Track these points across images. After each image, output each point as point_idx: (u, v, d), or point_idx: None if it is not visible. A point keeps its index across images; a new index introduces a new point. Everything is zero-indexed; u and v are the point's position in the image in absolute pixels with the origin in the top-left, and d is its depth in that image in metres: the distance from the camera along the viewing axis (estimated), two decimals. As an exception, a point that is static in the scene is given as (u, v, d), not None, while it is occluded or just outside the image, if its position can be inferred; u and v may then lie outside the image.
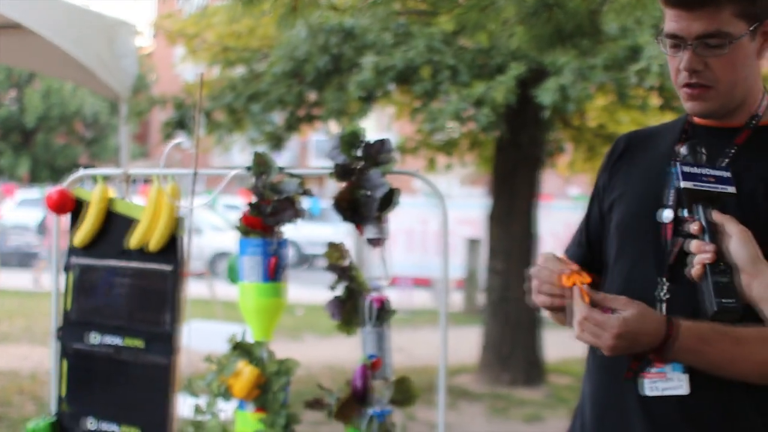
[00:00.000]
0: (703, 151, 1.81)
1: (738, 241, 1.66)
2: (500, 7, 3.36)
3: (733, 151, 1.98)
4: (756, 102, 2.03)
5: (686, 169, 1.76)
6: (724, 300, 1.64)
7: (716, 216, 1.71)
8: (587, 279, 1.90)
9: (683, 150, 1.83)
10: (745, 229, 1.67)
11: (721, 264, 1.66)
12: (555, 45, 3.40)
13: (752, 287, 1.63)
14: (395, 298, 3.06)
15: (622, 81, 7.81)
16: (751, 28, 1.95)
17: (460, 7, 3.45)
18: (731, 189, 1.75)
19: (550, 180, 16.23)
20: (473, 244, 15.31)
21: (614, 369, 1.98)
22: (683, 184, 1.73)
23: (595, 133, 10.92)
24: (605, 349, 1.87)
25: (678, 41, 1.96)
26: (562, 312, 1.96)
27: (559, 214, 17.96)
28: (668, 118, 9.08)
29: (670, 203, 2.02)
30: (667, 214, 2.01)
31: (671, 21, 1.96)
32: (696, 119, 2.09)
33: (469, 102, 7.89)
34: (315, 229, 20.05)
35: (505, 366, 9.35)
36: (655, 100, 8.70)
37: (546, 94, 7.64)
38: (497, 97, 7.70)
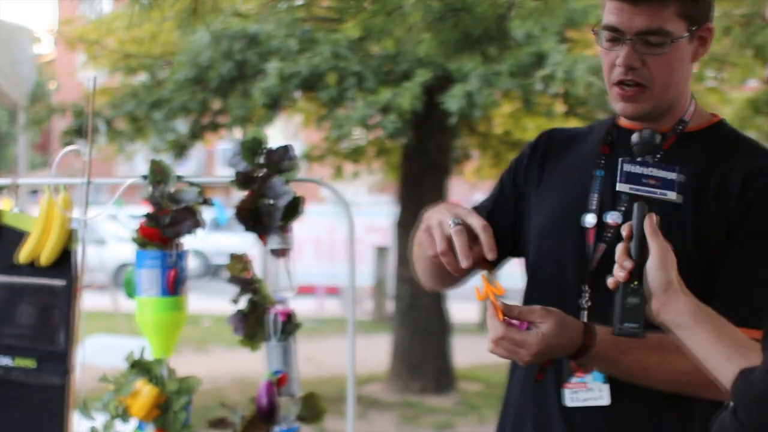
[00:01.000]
0: (656, 141, 1.70)
1: (656, 262, 1.60)
2: (406, 12, 3.31)
3: (658, 156, 1.95)
4: (683, 107, 1.99)
5: (628, 167, 1.65)
6: (626, 324, 1.59)
7: (647, 225, 1.63)
8: (500, 291, 1.83)
9: (633, 138, 1.71)
10: (666, 249, 1.61)
11: (635, 284, 1.60)
12: (462, 51, 3.35)
13: (660, 314, 1.59)
14: (308, 306, 2.98)
15: (527, 87, 7.87)
16: (690, 30, 1.90)
17: (366, 12, 3.38)
18: (670, 195, 1.65)
19: (456, 186, 16.30)
20: (381, 252, 15.27)
21: (534, 383, 1.94)
22: (619, 187, 1.64)
23: (501, 140, 11.00)
24: (521, 363, 1.82)
25: (617, 35, 1.90)
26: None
27: (467, 220, 18.03)
28: (573, 124, 9.20)
29: (593, 207, 1.97)
30: (590, 219, 1.97)
31: (612, 13, 1.90)
32: (622, 122, 2.04)
33: (376, 109, 7.86)
34: (222, 239, 19.80)
35: (415, 374, 9.32)
36: (560, 107, 8.79)
37: (452, 101, 7.64)
38: (403, 104, 7.68)
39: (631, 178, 1.64)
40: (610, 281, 1.63)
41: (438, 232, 1.92)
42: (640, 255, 1.61)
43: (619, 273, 1.61)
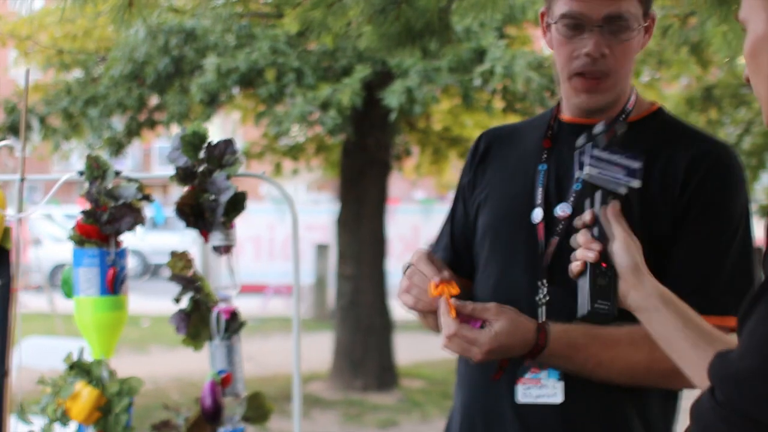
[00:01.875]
0: (618, 131, 1.71)
1: (621, 245, 1.60)
2: (346, 4, 3.26)
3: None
4: (626, 97, 1.98)
5: (596, 152, 1.65)
6: (598, 303, 1.57)
7: (609, 211, 1.63)
8: (455, 290, 1.82)
9: (597, 128, 1.70)
10: (630, 233, 1.61)
11: (603, 265, 1.59)
12: (404, 44, 3.31)
13: (629, 296, 1.58)
14: (248, 305, 2.94)
15: (466, 83, 7.87)
16: (644, 18, 1.91)
17: (305, 4, 3.33)
18: (634, 183, 1.66)
19: (396, 183, 16.32)
20: (322, 249, 15.23)
21: (487, 375, 1.90)
22: (587, 170, 1.63)
23: (441, 136, 11.03)
24: (473, 360, 1.79)
25: (581, 22, 1.87)
26: (431, 316, 1.88)
27: (406, 217, 18.12)
28: (512, 120, 9.24)
29: (539, 202, 1.95)
30: (537, 214, 1.95)
31: (575, 1, 1.87)
32: (563, 116, 2.02)
33: (315, 105, 7.81)
34: (160, 238, 19.58)
35: (358, 372, 9.29)
36: (499, 103, 8.82)
37: (392, 97, 7.62)
38: (343, 100, 7.64)
39: (598, 163, 1.64)
40: (574, 265, 1.61)
41: (410, 299, 1.94)
42: (603, 240, 1.61)
43: (588, 254, 1.59)
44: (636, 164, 1.66)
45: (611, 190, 1.65)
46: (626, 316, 1.63)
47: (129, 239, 2.75)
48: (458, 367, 2.06)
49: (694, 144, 1.92)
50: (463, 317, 1.78)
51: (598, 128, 1.70)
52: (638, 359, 1.80)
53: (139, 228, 2.70)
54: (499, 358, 1.81)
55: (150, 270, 20.71)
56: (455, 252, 2.12)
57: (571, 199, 1.92)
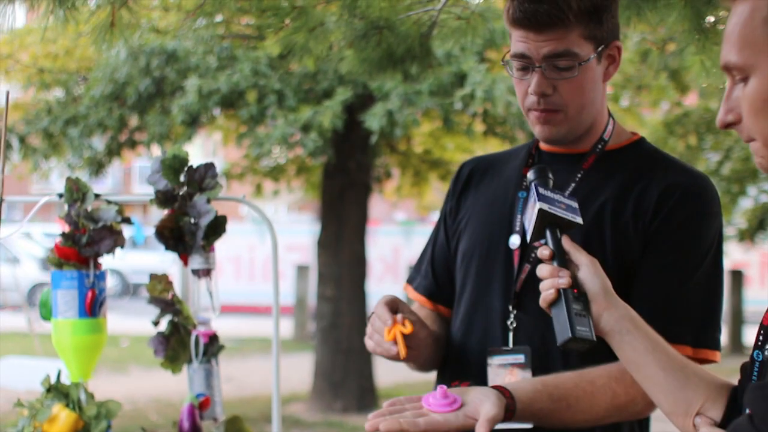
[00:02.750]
0: (551, 176, 1.76)
1: (588, 270, 1.61)
2: (328, 29, 3.28)
3: (579, 175, 1.96)
4: (602, 126, 2.01)
5: (542, 191, 1.69)
6: (579, 328, 1.57)
7: (566, 243, 1.65)
8: (407, 329, 1.86)
9: (530, 174, 1.74)
10: (594, 260, 1.63)
11: (575, 291, 1.60)
12: (385, 69, 3.34)
13: (602, 318, 1.59)
14: (227, 326, 2.93)
15: (447, 107, 7.91)
16: (597, 51, 1.92)
17: (287, 28, 3.35)
18: (579, 219, 1.69)
19: (376, 205, 16.34)
20: (302, 270, 15.21)
21: None
22: (539, 205, 1.65)
23: (422, 159, 11.06)
24: None
25: (526, 62, 1.91)
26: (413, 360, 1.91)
27: (387, 239, 18.13)
28: (492, 143, 9.29)
29: (517, 229, 1.98)
30: (514, 241, 1.97)
31: (519, 42, 1.91)
32: (542, 146, 2.06)
33: (296, 127, 7.83)
34: (140, 258, 19.51)
35: (338, 393, 9.27)
36: (479, 126, 8.86)
37: (373, 119, 7.65)
38: (324, 122, 7.66)
39: (544, 199, 1.67)
40: (547, 294, 1.61)
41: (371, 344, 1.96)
42: (565, 269, 1.63)
43: (559, 281, 1.59)
44: (575, 203, 1.71)
45: (568, 221, 1.67)
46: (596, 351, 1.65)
47: (109, 259, 2.74)
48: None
49: (669, 174, 1.94)
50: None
51: (531, 175, 1.74)
52: (601, 409, 1.81)
53: (120, 249, 2.70)
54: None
55: (130, 290, 20.63)
56: (435, 279, 2.15)
57: (517, 229, 1.97)
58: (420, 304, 2.17)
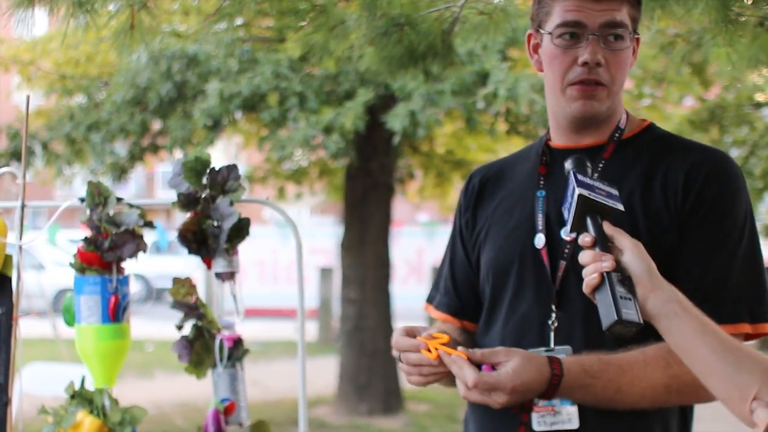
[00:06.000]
0: (588, 164, 1.73)
1: (633, 253, 1.58)
2: (348, 27, 3.25)
3: (600, 166, 1.93)
4: (619, 115, 2.00)
5: (581, 177, 1.66)
6: (625, 311, 1.54)
7: (608, 228, 1.61)
8: (444, 339, 1.82)
9: (568, 164, 1.73)
10: (638, 242, 1.60)
11: (619, 275, 1.57)
12: (407, 66, 3.30)
13: (648, 301, 1.55)
14: (252, 329, 2.91)
15: (469, 106, 7.85)
16: (635, 34, 1.94)
17: (307, 27, 3.32)
18: (620, 206, 1.67)
19: (399, 206, 16.31)
20: (325, 273, 15.20)
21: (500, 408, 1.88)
22: (578, 191, 1.63)
23: (444, 159, 11.02)
24: (497, 405, 1.77)
25: (580, 30, 1.89)
26: (446, 378, 1.87)
27: (410, 240, 18.10)
28: (515, 142, 9.23)
29: (541, 228, 1.94)
30: (540, 239, 1.94)
31: (571, 11, 1.89)
32: (553, 143, 2.03)
33: (318, 129, 7.79)
34: (164, 262, 19.55)
35: (363, 396, 9.23)
36: (502, 126, 8.80)
37: (396, 120, 7.61)
38: (346, 124, 7.62)
39: (584, 186, 1.65)
40: (590, 279, 1.58)
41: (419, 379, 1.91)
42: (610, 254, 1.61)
43: (602, 264, 1.57)
44: (615, 191, 1.70)
45: (610, 207, 1.65)
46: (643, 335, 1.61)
47: (132, 264, 2.73)
48: None
49: (690, 153, 1.93)
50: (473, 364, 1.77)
51: (569, 165, 1.73)
52: (656, 378, 1.78)
53: (142, 253, 2.68)
54: (520, 400, 1.78)
55: (154, 294, 20.69)
56: (458, 296, 2.12)
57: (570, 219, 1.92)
58: (443, 322, 2.13)
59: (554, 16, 1.91)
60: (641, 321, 1.54)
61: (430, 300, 2.19)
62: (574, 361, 1.79)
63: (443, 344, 1.80)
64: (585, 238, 1.61)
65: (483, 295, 2.05)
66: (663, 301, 1.54)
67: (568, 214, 1.66)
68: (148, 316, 13.51)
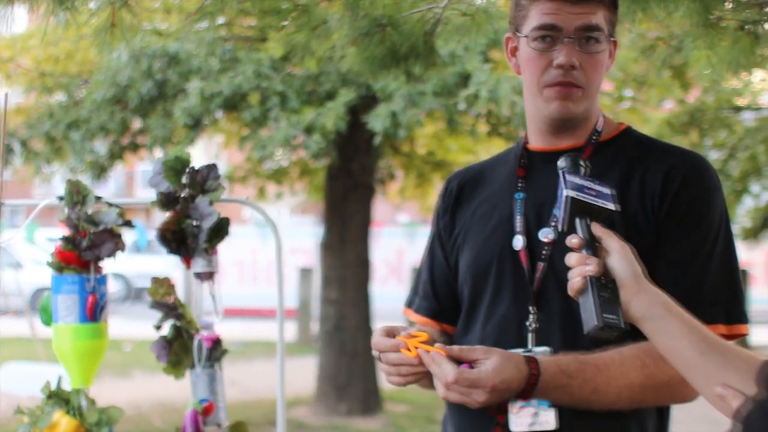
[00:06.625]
0: (582, 163, 1.72)
1: (619, 256, 1.58)
2: (330, 27, 3.24)
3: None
4: (596, 118, 2.01)
5: (570, 178, 1.65)
6: (606, 315, 1.53)
7: (597, 230, 1.61)
8: (423, 337, 1.81)
9: (561, 162, 1.72)
10: (626, 245, 1.60)
11: (603, 278, 1.56)
12: (389, 67, 3.30)
13: (632, 304, 1.54)
14: (231, 329, 2.89)
15: (451, 107, 7.86)
16: (611, 35, 1.95)
17: (289, 26, 3.31)
18: (611, 205, 1.66)
19: (380, 207, 16.30)
20: (305, 273, 15.17)
21: (480, 408, 1.87)
22: (568, 193, 1.62)
23: (425, 160, 11.02)
24: (476, 404, 1.77)
25: (555, 34, 1.90)
26: (425, 379, 1.86)
27: (390, 240, 18.11)
28: (496, 144, 9.24)
29: (519, 229, 1.95)
30: (517, 242, 1.94)
31: (548, 13, 1.90)
32: (531, 146, 2.04)
33: (299, 129, 7.78)
34: (144, 262, 19.47)
35: (342, 396, 9.22)
36: (483, 127, 8.81)
37: (377, 121, 7.60)
38: (327, 124, 7.61)
39: (575, 187, 1.64)
40: (575, 282, 1.58)
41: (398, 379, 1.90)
42: (596, 257, 1.60)
43: (587, 268, 1.56)
44: (607, 190, 1.68)
45: (600, 207, 1.64)
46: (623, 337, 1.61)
47: (112, 264, 2.71)
48: (448, 402, 2.03)
49: (667, 157, 1.94)
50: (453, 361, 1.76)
51: (562, 163, 1.72)
52: (632, 378, 1.79)
53: (121, 252, 2.66)
54: (499, 399, 1.78)
55: (133, 294, 20.61)
56: (437, 299, 2.12)
57: (553, 223, 1.92)
58: (422, 326, 2.12)
59: (531, 19, 1.93)
60: (623, 326, 1.53)
61: (409, 304, 2.18)
62: (551, 360, 1.79)
63: (423, 342, 1.80)
64: (572, 240, 1.61)
65: (462, 298, 2.05)
66: (647, 304, 1.53)
67: (560, 214, 1.65)
68: (127, 316, 13.46)
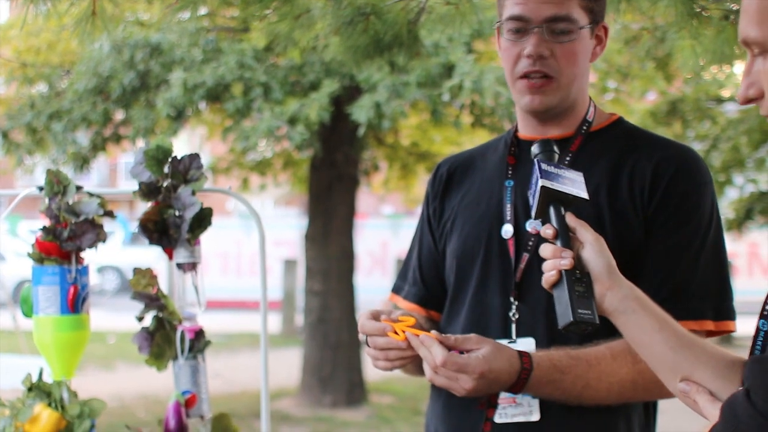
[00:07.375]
0: (555, 149, 1.70)
1: (593, 248, 1.56)
2: (314, 16, 3.22)
3: (568, 159, 1.92)
4: (585, 108, 2.00)
5: (544, 167, 1.63)
6: (580, 310, 1.51)
7: (571, 220, 1.59)
8: (410, 321, 1.80)
9: (534, 149, 1.70)
10: (600, 237, 1.57)
11: (578, 272, 1.54)
12: (372, 56, 3.28)
13: (605, 298, 1.53)
14: (214, 321, 2.88)
15: (435, 98, 7.85)
16: (591, 24, 1.93)
17: (272, 16, 3.28)
18: (584, 194, 1.64)
19: (363, 198, 16.28)
20: (289, 265, 15.15)
21: (463, 400, 1.85)
22: (541, 182, 1.60)
23: (409, 151, 11.01)
24: (462, 391, 1.75)
25: (524, 24, 1.90)
26: (410, 364, 1.85)
27: (374, 232, 18.11)
28: (480, 135, 9.23)
29: (509, 218, 1.93)
30: (507, 229, 1.93)
31: (518, 4, 1.90)
32: (521, 134, 2.03)
33: (283, 120, 7.75)
34: (139, 254, 19.40)
35: (326, 388, 9.22)
36: (467, 118, 8.81)
37: (361, 112, 7.59)
38: (311, 115, 7.59)
39: (549, 176, 1.62)
40: (549, 275, 1.56)
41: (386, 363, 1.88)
42: (569, 248, 1.57)
43: (561, 262, 1.54)
44: (580, 177, 1.66)
45: (573, 196, 1.62)
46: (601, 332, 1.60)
47: (104, 256, 2.68)
48: (432, 395, 2.02)
49: (658, 149, 1.93)
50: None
51: (535, 149, 1.70)
52: (623, 374, 1.79)
53: (102, 243, 2.62)
54: (486, 388, 1.76)
55: (127, 286, 20.58)
56: (425, 285, 2.10)
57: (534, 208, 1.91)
58: (409, 312, 2.11)
59: (506, 9, 1.94)
60: (597, 320, 1.52)
61: (396, 290, 2.17)
62: (544, 355, 1.78)
63: (410, 326, 1.78)
64: (547, 231, 1.59)
65: (448, 284, 2.04)
66: (620, 298, 1.52)
67: (532, 201, 1.64)
68: (113, 308, 13.40)
